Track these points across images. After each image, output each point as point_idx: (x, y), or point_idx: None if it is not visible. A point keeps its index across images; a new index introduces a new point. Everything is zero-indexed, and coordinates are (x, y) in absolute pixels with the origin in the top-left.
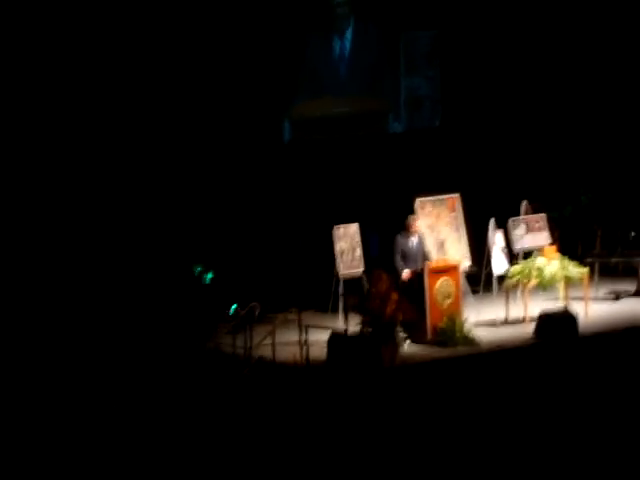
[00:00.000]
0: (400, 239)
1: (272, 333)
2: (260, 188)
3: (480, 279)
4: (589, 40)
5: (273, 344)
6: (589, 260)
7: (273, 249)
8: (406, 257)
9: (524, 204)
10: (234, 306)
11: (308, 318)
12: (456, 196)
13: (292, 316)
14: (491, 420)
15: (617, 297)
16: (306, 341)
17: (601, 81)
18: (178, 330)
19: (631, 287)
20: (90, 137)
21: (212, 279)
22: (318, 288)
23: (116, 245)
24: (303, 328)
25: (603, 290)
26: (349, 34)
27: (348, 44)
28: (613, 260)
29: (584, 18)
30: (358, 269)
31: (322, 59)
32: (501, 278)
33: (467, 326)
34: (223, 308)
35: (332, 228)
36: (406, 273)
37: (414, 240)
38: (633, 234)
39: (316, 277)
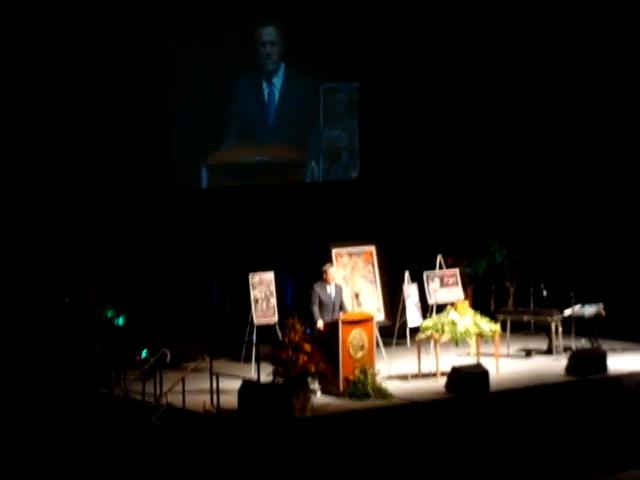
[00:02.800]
0: (317, 288)
1: (182, 380)
2: (177, 232)
3: (393, 332)
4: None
5: (183, 391)
6: (501, 317)
7: (188, 295)
8: (323, 306)
9: (439, 258)
10: (144, 351)
11: (220, 366)
12: (372, 248)
13: (204, 364)
14: (398, 475)
15: (528, 354)
16: (217, 389)
17: (515, 131)
18: (86, 375)
19: (542, 345)
20: None
21: (124, 323)
22: (232, 336)
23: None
24: (214, 376)
25: (514, 347)
26: (278, 80)
27: (277, 91)
28: (525, 317)
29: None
30: (272, 318)
31: (251, 103)
32: (414, 331)
33: (379, 378)
34: (133, 353)
35: (248, 275)
36: (320, 323)
37: (331, 289)
38: (545, 292)
39: (230, 324)
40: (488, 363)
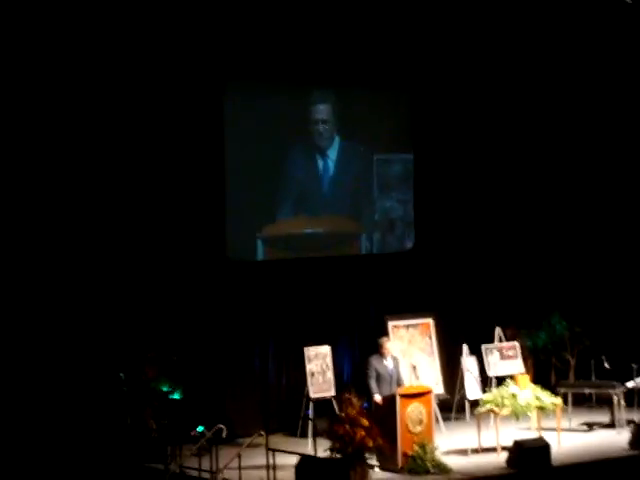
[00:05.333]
0: (374, 361)
1: (239, 456)
2: (232, 306)
3: (452, 405)
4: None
5: (240, 467)
6: (562, 390)
7: (244, 369)
8: (380, 380)
9: (498, 330)
10: (200, 427)
11: (276, 441)
12: (429, 320)
13: (260, 439)
14: None
15: (590, 428)
16: (274, 465)
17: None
18: (141, 451)
19: (605, 418)
20: None
21: (180, 397)
22: (288, 411)
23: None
24: (271, 452)
25: (576, 420)
26: (332, 152)
27: (331, 162)
28: (587, 390)
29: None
30: (329, 392)
31: (305, 175)
32: (473, 405)
33: (438, 453)
34: (189, 428)
35: (303, 349)
36: (378, 397)
37: (388, 362)
38: (607, 364)
39: (286, 399)
40: (550, 437)
